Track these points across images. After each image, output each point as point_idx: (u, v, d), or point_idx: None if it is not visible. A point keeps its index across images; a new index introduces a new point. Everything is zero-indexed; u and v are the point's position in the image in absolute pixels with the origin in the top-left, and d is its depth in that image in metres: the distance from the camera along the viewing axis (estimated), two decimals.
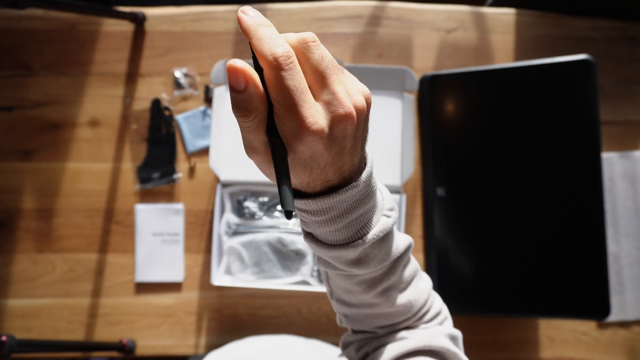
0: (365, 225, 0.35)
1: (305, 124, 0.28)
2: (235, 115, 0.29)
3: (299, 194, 0.33)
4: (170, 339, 0.87)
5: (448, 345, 0.41)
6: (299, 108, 0.28)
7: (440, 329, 0.43)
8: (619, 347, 0.89)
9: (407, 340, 0.40)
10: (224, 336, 0.88)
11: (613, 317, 0.89)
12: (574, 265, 0.79)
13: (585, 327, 0.89)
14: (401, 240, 0.39)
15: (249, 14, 0.28)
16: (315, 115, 0.28)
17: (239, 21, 0.28)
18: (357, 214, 0.34)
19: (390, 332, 0.42)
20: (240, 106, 0.28)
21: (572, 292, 0.79)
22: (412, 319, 0.42)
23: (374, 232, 0.35)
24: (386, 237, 0.37)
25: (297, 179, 0.31)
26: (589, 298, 0.79)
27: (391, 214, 0.37)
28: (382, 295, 0.39)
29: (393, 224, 0.37)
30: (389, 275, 0.39)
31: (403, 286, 0.40)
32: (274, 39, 0.28)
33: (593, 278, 0.78)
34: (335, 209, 0.33)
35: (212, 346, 0.87)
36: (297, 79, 0.28)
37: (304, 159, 0.30)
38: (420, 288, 0.42)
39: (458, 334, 0.44)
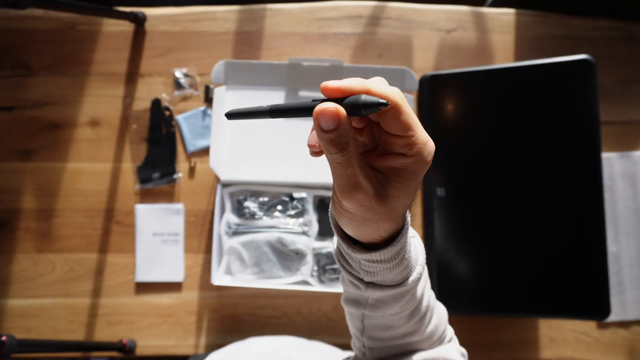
0: (410, 255, 0.37)
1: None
2: (330, 155, 0.29)
3: (370, 247, 0.34)
4: (170, 339, 0.87)
5: (460, 359, 0.42)
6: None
7: (451, 345, 0.44)
8: (618, 347, 0.89)
9: (421, 353, 0.42)
10: (224, 336, 0.88)
11: (613, 317, 0.89)
12: (574, 265, 0.79)
13: (585, 327, 0.89)
14: (422, 256, 0.40)
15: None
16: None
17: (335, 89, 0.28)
18: (407, 248, 0.35)
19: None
20: (335, 142, 0.28)
21: (572, 292, 0.79)
22: (435, 343, 0.43)
23: (422, 258, 0.38)
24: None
25: (372, 235, 0.32)
26: (589, 298, 0.79)
27: (414, 235, 0.40)
28: (419, 321, 0.41)
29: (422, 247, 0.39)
30: (423, 300, 0.41)
31: (431, 312, 0.42)
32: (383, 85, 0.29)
33: (593, 278, 0.78)
34: (401, 250, 0.34)
35: (212, 346, 0.87)
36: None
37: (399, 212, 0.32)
38: (441, 313, 0.44)
39: (465, 352, 0.46)
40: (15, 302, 0.87)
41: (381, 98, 0.28)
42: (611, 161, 0.91)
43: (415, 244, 0.38)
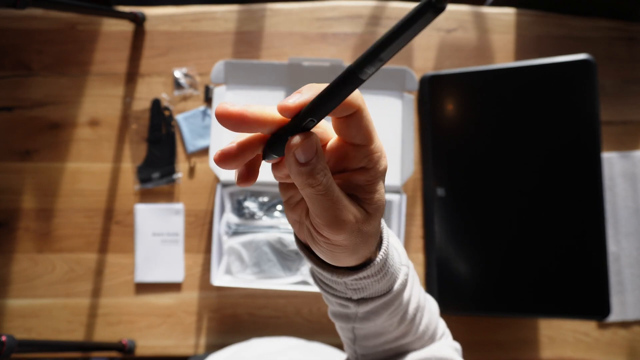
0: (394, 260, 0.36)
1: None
2: (311, 189, 0.26)
3: (359, 267, 0.32)
4: (170, 339, 0.87)
5: (453, 356, 0.42)
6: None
7: (444, 341, 0.44)
8: (619, 347, 0.89)
9: (414, 354, 0.41)
10: (224, 336, 0.88)
11: (613, 317, 0.89)
12: (574, 265, 0.79)
13: (586, 327, 0.89)
14: (403, 253, 0.39)
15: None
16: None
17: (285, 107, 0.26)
18: (391, 252, 0.34)
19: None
20: (316, 172, 0.25)
21: (572, 292, 0.79)
22: (428, 341, 0.43)
23: (404, 256, 0.37)
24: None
25: (362, 256, 0.31)
26: (589, 298, 0.79)
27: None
28: (410, 323, 0.40)
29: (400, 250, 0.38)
30: (412, 301, 0.40)
31: (421, 312, 0.41)
32: None
33: (593, 278, 0.78)
34: (387, 257, 0.33)
35: (212, 346, 0.87)
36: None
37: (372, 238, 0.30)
38: (432, 309, 0.43)
39: (459, 346, 0.45)
40: (15, 302, 0.87)
41: (345, 104, 0.25)
42: (611, 161, 0.91)
43: (392, 243, 0.36)
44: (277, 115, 0.26)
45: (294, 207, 0.31)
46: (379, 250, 0.33)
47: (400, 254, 0.37)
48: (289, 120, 0.26)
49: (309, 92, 0.25)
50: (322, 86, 0.26)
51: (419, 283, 0.42)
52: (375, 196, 0.29)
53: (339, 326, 0.41)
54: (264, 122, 0.26)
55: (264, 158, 0.28)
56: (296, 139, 0.25)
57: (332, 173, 0.29)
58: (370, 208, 0.28)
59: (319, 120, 0.25)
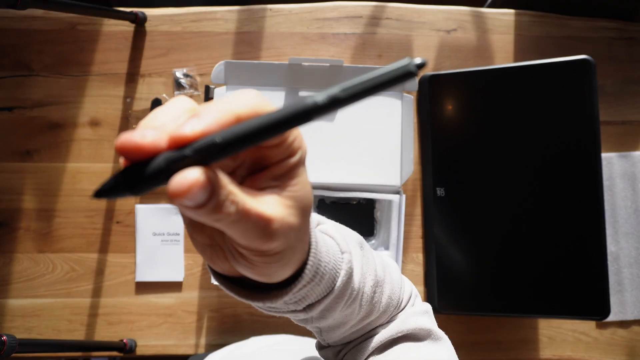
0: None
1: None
2: (219, 223, 0.21)
3: (290, 280, 0.30)
4: (170, 339, 0.88)
5: (420, 324, 0.40)
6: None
7: (410, 310, 0.42)
8: (618, 347, 0.89)
9: (380, 333, 0.40)
10: (224, 336, 0.88)
11: (612, 317, 0.89)
12: (574, 265, 0.79)
13: (585, 327, 0.90)
14: (354, 238, 0.37)
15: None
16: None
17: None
18: (321, 249, 0.32)
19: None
20: (219, 207, 0.20)
21: (571, 292, 0.79)
22: (395, 311, 0.41)
23: (351, 241, 0.35)
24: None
25: (297, 261, 0.28)
26: (588, 298, 0.79)
27: (321, 222, 0.37)
28: (369, 303, 0.37)
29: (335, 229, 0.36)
30: (367, 281, 0.37)
31: (380, 287, 0.39)
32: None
33: (592, 278, 0.78)
34: (319, 257, 0.30)
35: (212, 346, 0.87)
36: None
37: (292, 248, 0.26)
38: (393, 278, 0.41)
39: (428, 307, 0.43)
40: (15, 302, 0.87)
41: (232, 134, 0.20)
42: (611, 161, 0.91)
43: (321, 238, 0.31)
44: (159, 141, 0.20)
45: (203, 225, 0.25)
46: (309, 253, 0.29)
47: (338, 239, 0.33)
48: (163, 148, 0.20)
49: (209, 116, 0.20)
50: (223, 108, 0.20)
51: (374, 254, 0.39)
52: (299, 181, 0.24)
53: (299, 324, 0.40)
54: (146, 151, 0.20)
55: (108, 194, 0.20)
56: (180, 183, 0.19)
57: (245, 176, 0.25)
58: (296, 197, 0.24)
59: (223, 157, 0.20)
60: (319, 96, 0.20)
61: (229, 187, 0.21)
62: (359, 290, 0.35)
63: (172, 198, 0.19)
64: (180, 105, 0.23)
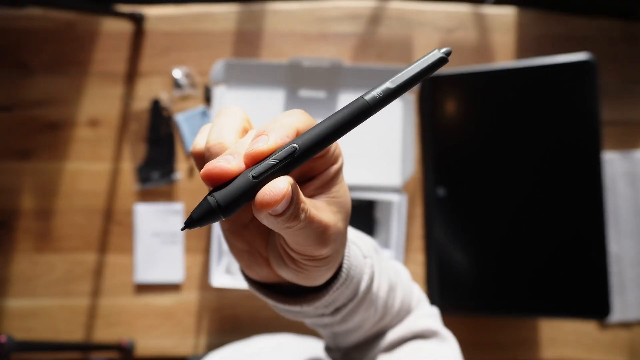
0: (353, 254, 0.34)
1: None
2: (290, 230, 0.23)
3: (326, 283, 0.31)
4: (169, 340, 0.87)
5: (428, 325, 0.41)
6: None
7: (418, 313, 0.43)
8: (620, 347, 0.89)
9: (389, 334, 0.40)
10: (223, 336, 0.87)
11: (614, 317, 0.88)
12: (575, 265, 0.79)
13: (586, 328, 0.89)
14: (369, 243, 0.37)
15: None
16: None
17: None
18: (350, 253, 0.33)
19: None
20: (295, 216, 0.22)
21: (573, 292, 0.79)
22: (405, 314, 0.42)
23: (368, 246, 0.36)
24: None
25: (336, 264, 0.29)
26: (589, 298, 0.78)
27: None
28: (384, 308, 0.38)
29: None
30: (383, 286, 0.38)
31: (393, 292, 0.39)
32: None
33: (594, 278, 0.78)
34: (351, 261, 0.32)
35: (211, 346, 0.87)
36: None
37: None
38: (404, 282, 0.42)
39: (435, 311, 0.44)
40: (14, 302, 0.87)
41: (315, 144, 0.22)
42: (612, 161, 0.91)
43: (350, 239, 0.34)
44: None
45: (242, 231, 0.27)
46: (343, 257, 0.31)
47: (359, 244, 0.35)
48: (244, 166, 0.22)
49: (277, 131, 0.22)
50: (285, 122, 0.23)
51: (386, 260, 0.40)
52: (341, 187, 0.27)
53: (319, 331, 0.40)
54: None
55: (201, 222, 0.22)
56: (272, 193, 0.21)
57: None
58: (340, 202, 0.26)
59: (302, 162, 0.22)
60: (375, 92, 0.22)
61: (302, 196, 0.23)
62: (377, 293, 0.36)
63: (260, 208, 0.21)
64: (236, 116, 0.25)
